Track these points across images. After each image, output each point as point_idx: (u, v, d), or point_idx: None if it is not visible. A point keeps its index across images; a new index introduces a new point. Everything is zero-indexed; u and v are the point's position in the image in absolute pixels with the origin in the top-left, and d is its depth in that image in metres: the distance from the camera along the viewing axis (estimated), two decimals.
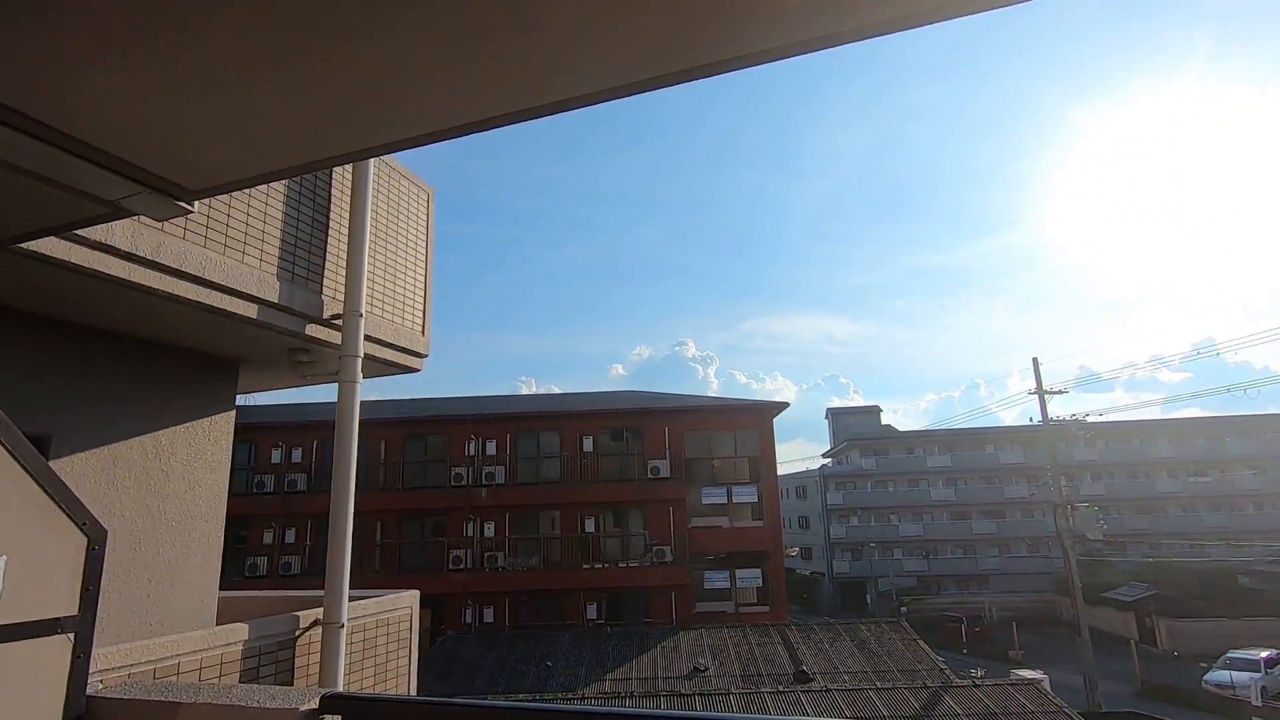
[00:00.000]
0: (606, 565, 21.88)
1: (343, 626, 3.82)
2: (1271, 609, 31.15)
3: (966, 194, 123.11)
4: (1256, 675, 23.25)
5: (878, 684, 12.15)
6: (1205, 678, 24.52)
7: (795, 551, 50.44)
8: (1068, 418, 26.31)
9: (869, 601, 44.94)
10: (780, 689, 12.30)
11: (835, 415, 56.20)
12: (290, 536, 21.76)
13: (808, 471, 53.45)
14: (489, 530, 22.11)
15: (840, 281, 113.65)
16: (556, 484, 22.63)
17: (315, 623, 3.84)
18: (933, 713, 11.09)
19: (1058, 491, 23.61)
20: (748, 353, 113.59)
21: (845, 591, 46.73)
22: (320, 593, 3.93)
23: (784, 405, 23.01)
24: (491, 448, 22.86)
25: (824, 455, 57.55)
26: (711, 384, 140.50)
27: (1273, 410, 45.72)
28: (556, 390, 71.37)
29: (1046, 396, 24.80)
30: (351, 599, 3.98)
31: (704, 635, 15.87)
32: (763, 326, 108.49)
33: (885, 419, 55.16)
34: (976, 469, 48.08)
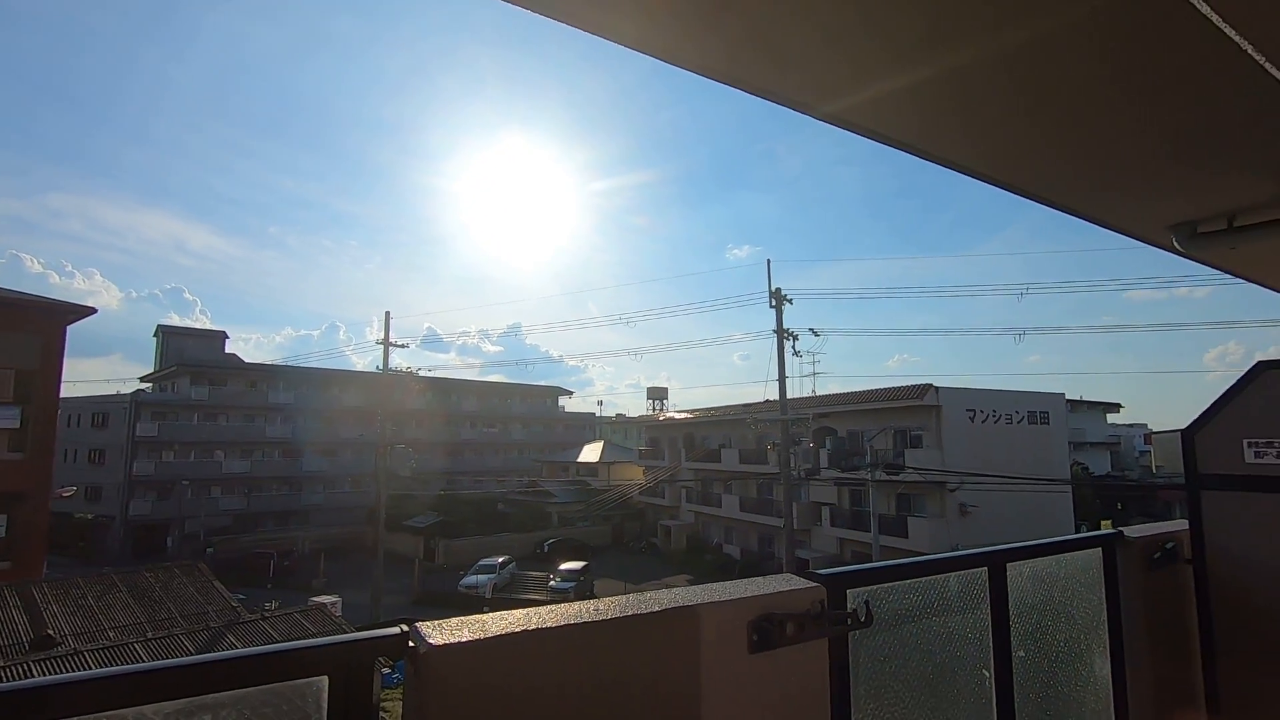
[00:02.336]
0: None
1: None
2: (515, 527, 42.24)
3: (366, 142, 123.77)
4: (491, 576, 31.03)
5: (149, 635, 10.84)
6: (460, 583, 31.25)
7: (72, 492, 40.65)
8: (407, 369, 29.50)
9: (169, 545, 40.09)
10: (2, 663, 9.57)
11: (168, 335, 48.05)
12: None
13: (116, 396, 43.97)
14: None
15: (208, 187, 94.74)
16: None
17: None
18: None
19: (384, 434, 26.15)
20: (53, 235, 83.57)
21: (142, 536, 40.41)
22: None
23: (89, 310, 18.22)
24: None
25: (143, 379, 48.51)
26: None
27: (542, 382, 62.51)
28: None
29: (393, 348, 27.20)
30: None
31: None
32: (85, 208, 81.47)
33: (232, 347, 50.44)
34: (319, 408, 48.88)
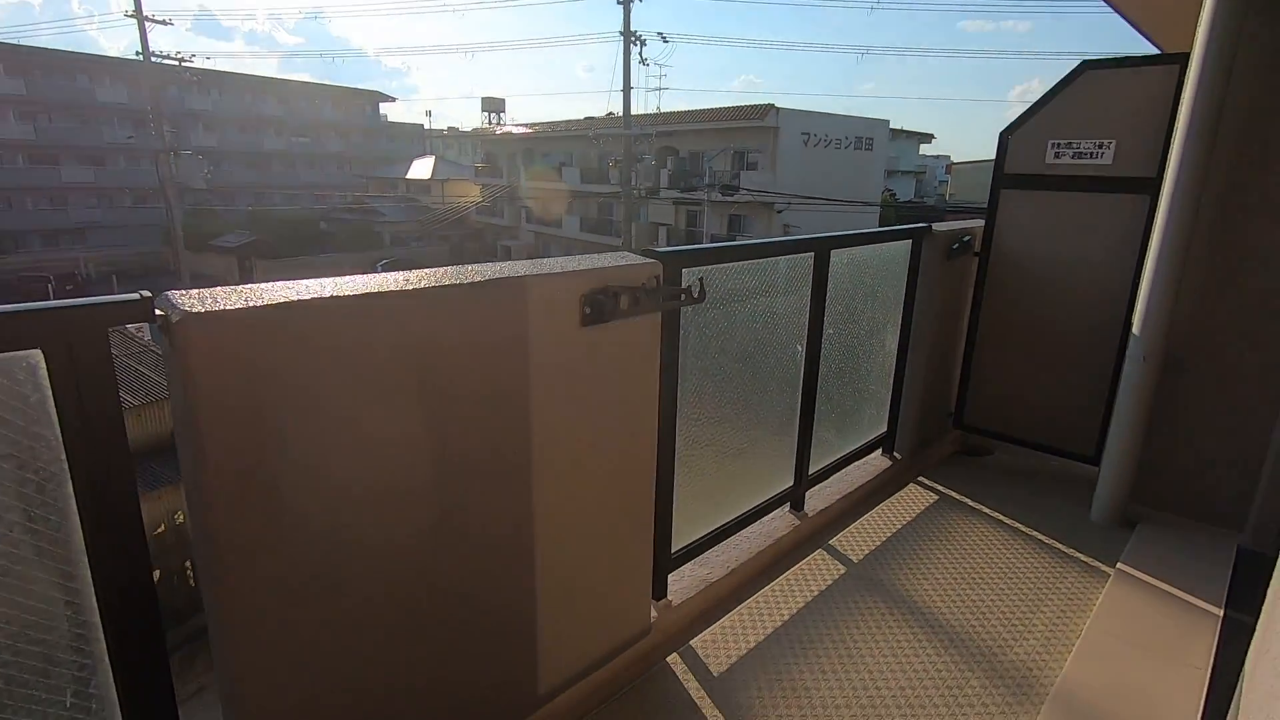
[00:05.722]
0: None
1: None
2: (342, 247, 39.74)
3: None
4: None
5: None
6: None
7: None
8: (178, 56, 23.99)
9: None
10: None
11: None
12: None
13: None
14: None
15: None
16: None
17: None
18: None
19: (161, 137, 21.97)
20: None
21: None
22: None
23: None
24: None
25: None
26: None
27: (358, 85, 54.29)
28: None
29: (152, 24, 21.58)
30: None
31: None
32: None
33: None
34: (66, 103, 39.52)
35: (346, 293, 1.28)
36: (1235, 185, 2.82)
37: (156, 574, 8.71)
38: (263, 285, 1.25)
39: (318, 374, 1.24)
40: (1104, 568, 2.77)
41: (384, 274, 1.44)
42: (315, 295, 1.24)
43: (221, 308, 1.12)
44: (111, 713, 1.13)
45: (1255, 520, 2.93)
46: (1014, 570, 2.73)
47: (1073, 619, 2.45)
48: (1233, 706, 1.38)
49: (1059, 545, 2.94)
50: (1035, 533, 3.03)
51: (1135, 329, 2.93)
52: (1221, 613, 2.45)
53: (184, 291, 1.17)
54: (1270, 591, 1.31)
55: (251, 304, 1.15)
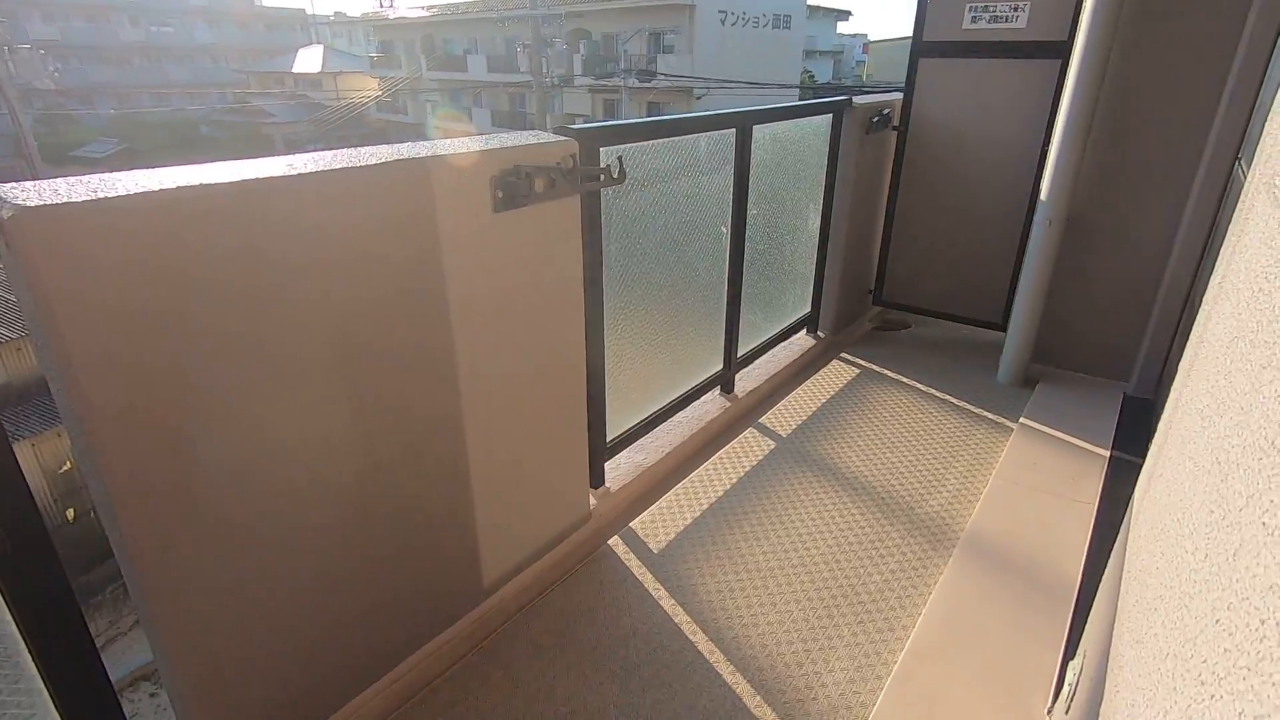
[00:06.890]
0: None
1: None
2: (228, 153, 36.19)
3: None
4: None
5: None
6: None
7: None
8: None
9: None
10: None
11: None
12: None
13: None
14: None
15: None
16: None
17: None
18: None
19: None
20: None
21: None
22: None
23: None
24: None
25: None
26: None
27: None
28: None
29: None
30: None
31: None
32: None
33: None
34: None
35: (221, 180, 1.13)
36: (1135, 48, 2.86)
37: (71, 512, 8.32)
38: (114, 175, 1.09)
39: (196, 276, 1.10)
40: (1008, 423, 2.99)
41: (264, 160, 1.28)
42: (184, 184, 1.09)
43: (66, 199, 0.96)
44: (15, 647, 1.06)
45: (1139, 370, 3.20)
46: (928, 432, 2.91)
47: (980, 471, 2.65)
48: (1122, 529, 1.54)
49: (969, 407, 3.14)
50: (948, 397, 3.22)
51: (1043, 194, 3.02)
52: (1109, 454, 2.70)
53: (15, 184, 1.00)
54: (1161, 424, 1.42)
55: (104, 195, 1.00)
